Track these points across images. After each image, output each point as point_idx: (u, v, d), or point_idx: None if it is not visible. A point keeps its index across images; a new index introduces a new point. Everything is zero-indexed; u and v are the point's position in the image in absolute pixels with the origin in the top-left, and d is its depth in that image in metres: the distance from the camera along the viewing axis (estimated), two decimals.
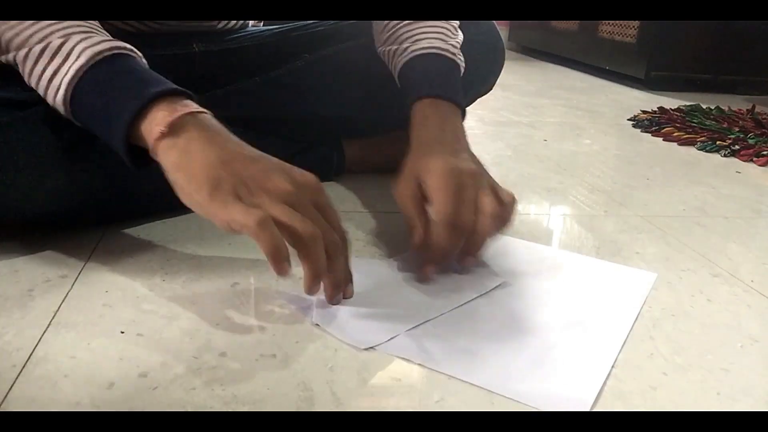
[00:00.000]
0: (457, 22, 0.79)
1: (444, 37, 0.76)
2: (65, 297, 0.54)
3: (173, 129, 0.51)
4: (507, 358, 0.49)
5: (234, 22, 0.85)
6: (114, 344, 0.48)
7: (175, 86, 0.54)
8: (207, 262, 0.62)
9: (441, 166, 0.61)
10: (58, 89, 0.54)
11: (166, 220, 0.71)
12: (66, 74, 0.54)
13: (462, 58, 0.76)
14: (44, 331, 0.49)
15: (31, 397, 0.41)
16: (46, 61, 0.54)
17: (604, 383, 0.47)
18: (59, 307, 0.52)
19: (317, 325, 0.51)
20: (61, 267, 0.59)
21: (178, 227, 0.69)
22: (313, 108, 0.85)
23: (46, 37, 0.55)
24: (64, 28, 0.55)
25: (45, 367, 0.44)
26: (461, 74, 0.76)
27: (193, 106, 0.53)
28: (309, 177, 0.53)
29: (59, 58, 0.54)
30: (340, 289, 0.54)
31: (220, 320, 0.52)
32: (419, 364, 0.47)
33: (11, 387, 0.42)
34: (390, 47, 0.78)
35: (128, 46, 0.57)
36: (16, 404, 0.41)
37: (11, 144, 0.57)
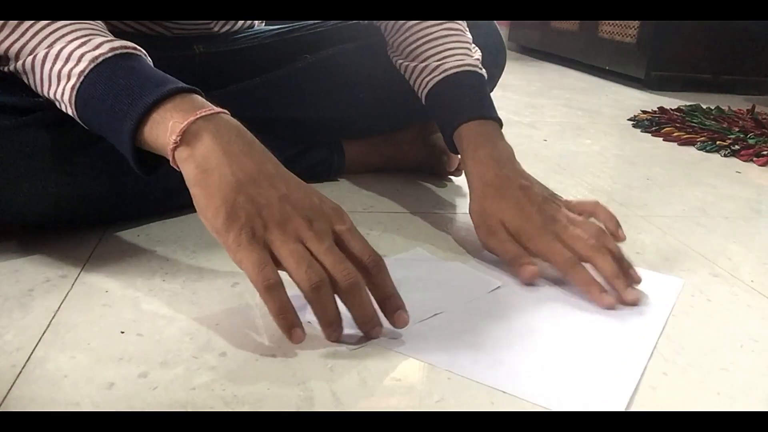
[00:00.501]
0: (465, 24, 0.79)
1: (468, 51, 0.76)
2: (65, 297, 0.54)
3: (186, 136, 0.49)
4: (514, 358, 0.49)
5: (239, 24, 0.85)
6: (114, 344, 0.48)
7: (178, 85, 0.52)
8: (207, 262, 0.62)
9: (520, 209, 0.63)
10: (62, 95, 0.54)
11: (166, 220, 0.71)
12: (69, 80, 0.53)
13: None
14: (44, 331, 0.49)
15: (31, 397, 0.41)
16: (49, 67, 0.54)
17: (635, 389, 0.46)
18: (59, 307, 0.52)
19: (309, 322, 0.51)
20: (61, 267, 0.59)
21: (178, 227, 0.69)
22: (313, 109, 0.85)
23: (47, 43, 0.54)
24: (64, 35, 0.54)
25: (45, 367, 0.44)
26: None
27: (205, 108, 0.51)
28: (328, 203, 0.51)
29: (60, 62, 0.53)
30: (370, 323, 0.49)
31: (220, 320, 0.52)
32: (421, 361, 0.47)
33: (11, 387, 0.42)
34: (412, 63, 0.78)
35: (130, 44, 0.55)
36: (16, 404, 0.41)
37: (14, 149, 0.57)
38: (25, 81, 0.57)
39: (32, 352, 0.46)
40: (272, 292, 0.46)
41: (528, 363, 0.48)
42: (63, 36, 0.54)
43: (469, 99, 0.73)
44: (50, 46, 0.54)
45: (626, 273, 0.60)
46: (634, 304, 0.57)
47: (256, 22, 0.89)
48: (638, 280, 0.61)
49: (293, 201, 0.49)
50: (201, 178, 0.49)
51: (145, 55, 0.56)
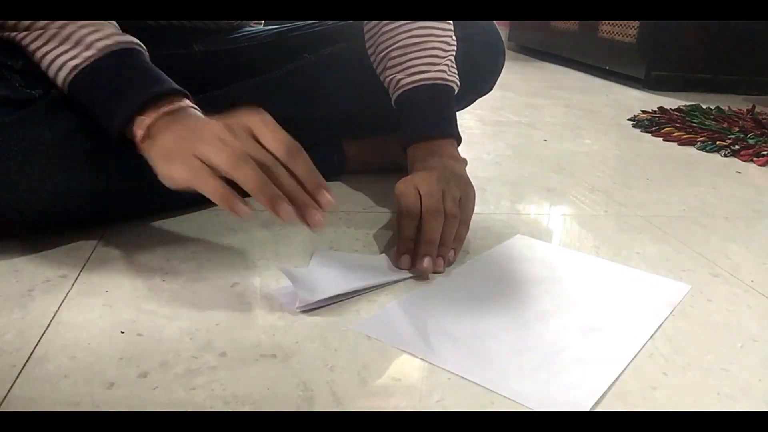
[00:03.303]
0: (451, 27, 0.79)
1: (436, 59, 0.76)
2: (65, 297, 0.54)
3: (150, 131, 0.55)
4: (513, 359, 0.49)
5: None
6: (114, 344, 0.48)
7: (170, 87, 0.57)
8: (207, 262, 0.62)
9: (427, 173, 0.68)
10: (60, 70, 0.58)
11: (166, 219, 0.71)
12: (74, 58, 0.57)
13: (455, 72, 0.77)
14: (44, 331, 0.49)
15: (31, 397, 0.41)
16: (57, 43, 0.57)
17: (608, 389, 0.46)
18: (59, 307, 0.52)
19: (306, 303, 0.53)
20: (61, 267, 0.59)
21: (178, 227, 0.69)
22: (313, 108, 0.85)
23: (59, 24, 0.58)
24: (74, 22, 0.58)
25: (45, 367, 0.44)
26: (455, 92, 0.77)
27: (176, 103, 0.56)
28: (251, 113, 0.55)
29: (69, 43, 0.57)
30: (284, 200, 0.51)
31: (220, 320, 0.52)
32: (421, 359, 0.47)
33: (11, 387, 0.42)
34: (386, 74, 0.79)
35: (134, 40, 0.60)
36: (16, 404, 0.41)
37: (11, 144, 0.57)
38: (25, 52, 0.60)
39: (32, 352, 0.46)
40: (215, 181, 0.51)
41: (523, 364, 0.48)
42: (73, 22, 0.58)
43: (422, 118, 0.75)
44: (62, 26, 0.58)
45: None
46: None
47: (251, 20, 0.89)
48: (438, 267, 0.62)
49: (221, 122, 0.53)
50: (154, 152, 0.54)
51: (145, 51, 0.61)
